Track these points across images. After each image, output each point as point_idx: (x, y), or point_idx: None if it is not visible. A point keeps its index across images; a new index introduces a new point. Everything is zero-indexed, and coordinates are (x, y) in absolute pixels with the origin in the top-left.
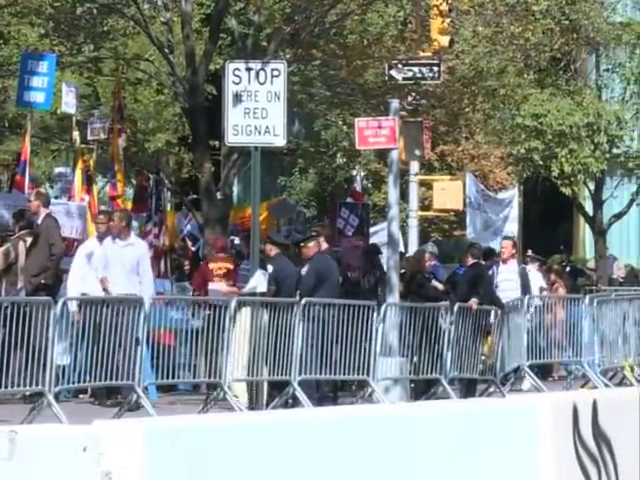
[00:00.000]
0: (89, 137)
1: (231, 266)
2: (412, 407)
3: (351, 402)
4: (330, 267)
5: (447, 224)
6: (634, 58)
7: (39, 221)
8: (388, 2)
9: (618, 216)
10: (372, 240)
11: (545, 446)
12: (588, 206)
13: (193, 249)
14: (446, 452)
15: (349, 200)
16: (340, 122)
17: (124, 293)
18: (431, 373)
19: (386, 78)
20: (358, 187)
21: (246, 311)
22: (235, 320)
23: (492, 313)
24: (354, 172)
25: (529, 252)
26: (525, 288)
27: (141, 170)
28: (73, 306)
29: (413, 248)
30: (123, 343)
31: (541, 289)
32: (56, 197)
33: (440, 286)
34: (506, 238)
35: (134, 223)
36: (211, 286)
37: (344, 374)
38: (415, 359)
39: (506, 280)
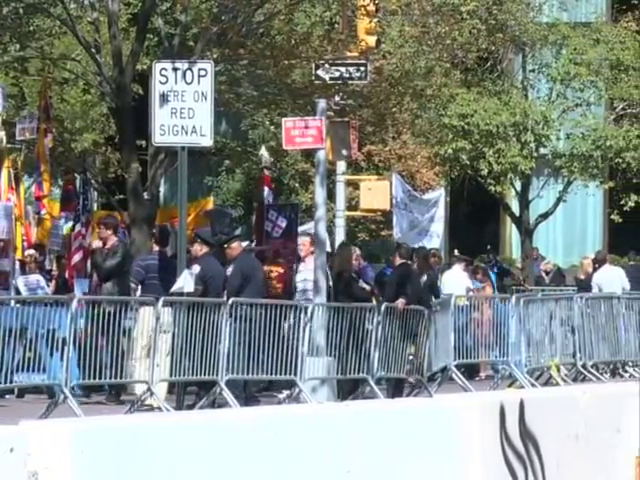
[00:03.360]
0: (17, 137)
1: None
2: (339, 407)
3: (278, 402)
4: (255, 267)
5: (374, 224)
6: (560, 58)
7: None
8: (315, 2)
9: (544, 216)
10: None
11: (472, 445)
12: (515, 206)
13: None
14: (374, 451)
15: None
16: (267, 122)
17: None
18: (358, 373)
19: (313, 78)
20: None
21: (145, 311)
22: (137, 320)
23: (419, 313)
24: (260, 152)
25: (455, 252)
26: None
27: (68, 170)
28: None
29: None
30: (52, 343)
31: (467, 289)
32: None
33: (367, 286)
34: (305, 235)
35: (63, 224)
36: None
37: (271, 374)
38: (342, 359)
39: (305, 280)
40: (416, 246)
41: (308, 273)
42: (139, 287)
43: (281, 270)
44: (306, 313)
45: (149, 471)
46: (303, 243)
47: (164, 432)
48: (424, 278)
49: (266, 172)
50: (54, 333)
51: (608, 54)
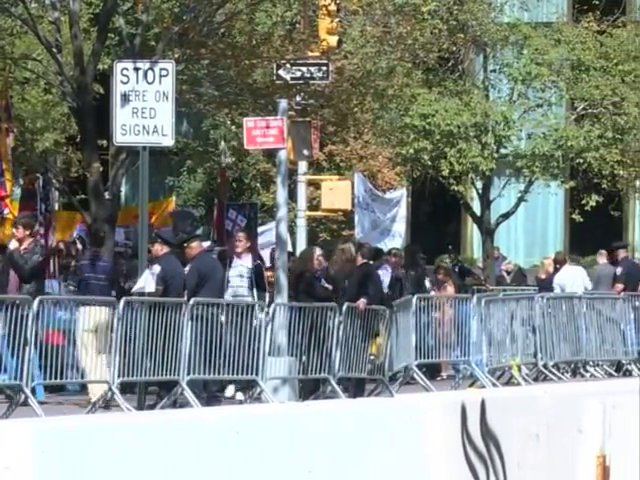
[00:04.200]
0: None
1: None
2: (301, 407)
3: (239, 402)
4: (213, 266)
5: (335, 224)
6: (521, 58)
7: None
8: (276, 2)
9: (505, 216)
10: (259, 240)
11: (434, 445)
12: (476, 206)
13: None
14: (335, 452)
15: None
16: (228, 122)
17: None
18: (320, 372)
19: (274, 78)
20: (224, 161)
21: (85, 310)
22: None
23: (381, 313)
24: (220, 146)
25: None
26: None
27: (29, 170)
28: None
29: (302, 248)
30: (12, 343)
31: (428, 289)
32: None
33: (329, 286)
34: (241, 231)
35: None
36: None
37: (233, 374)
38: (304, 358)
39: (238, 276)
40: (380, 246)
41: (243, 269)
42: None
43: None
44: (267, 313)
45: (111, 471)
46: (239, 238)
47: (126, 432)
48: (412, 274)
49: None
50: (15, 334)
51: (569, 54)
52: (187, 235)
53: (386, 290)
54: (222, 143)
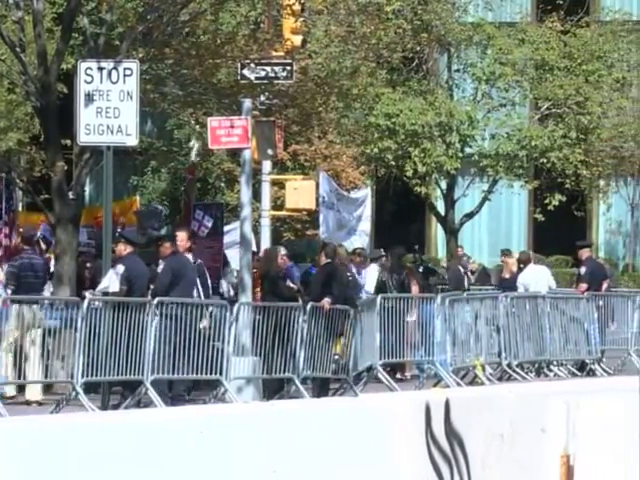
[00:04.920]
0: None
1: None
2: (265, 406)
3: (204, 401)
4: (186, 266)
5: (300, 224)
6: (485, 58)
7: None
8: (240, 2)
9: (470, 215)
10: (224, 239)
11: (398, 445)
12: (440, 205)
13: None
14: (300, 451)
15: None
16: (193, 121)
17: None
18: (284, 372)
19: (239, 77)
20: (194, 159)
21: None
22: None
23: (345, 313)
24: (191, 143)
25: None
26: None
27: None
28: None
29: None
30: None
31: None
32: None
33: (293, 286)
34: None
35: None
36: None
37: (197, 374)
38: (268, 358)
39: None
40: (346, 245)
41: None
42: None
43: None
44: (231, 312)
45: (74, 471)
46: (180, 238)
47: (90, 432)
48: (397, 277)
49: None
50: None
51: (533, 54)
52: (157, 231)
53: (372, 291)
54: (193, 141)
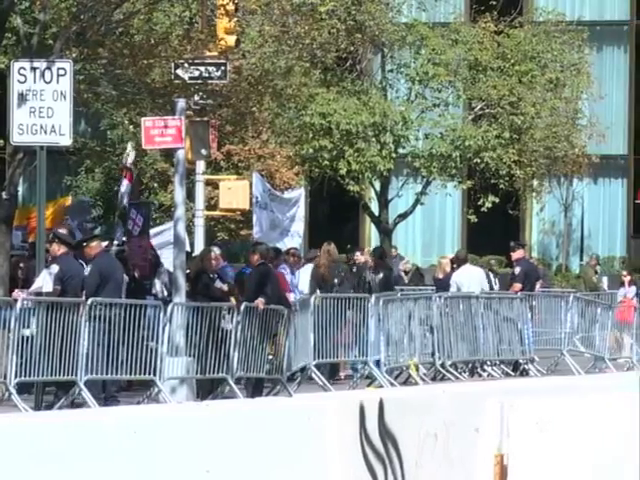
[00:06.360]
0: None
1: None
2: (199, 407)
3: (137, 402)
4: (113, 266)
5: (234, 224)
6: (418, 58)
7: None
8: (174, 2)
9: (403, 216)
10: (154, 240)
11: (332, 445)
12: (374, 206)
13: None
14: (233, 451)
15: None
16: (126, 121)
17: None
18: (218, 372)
19: (172, 77)
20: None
21: None
22: None
23: (279, 313)
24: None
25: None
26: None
27: None
28: None
29: (200, 248)
30: None
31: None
32: None
33: (225, 287)
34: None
35: None
36: None
37: (131, 374)
38: (202, 358)
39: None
40: (279, 245)
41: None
42: None
43: None
44: (165, 313)
45: (6, 472)
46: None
47: (23, 432)
48: (380, 276)
49: (128, 166)
50: None
51: (466, 54)
52: (91, 225)
53: (306, 291)
54: (129, 145)
